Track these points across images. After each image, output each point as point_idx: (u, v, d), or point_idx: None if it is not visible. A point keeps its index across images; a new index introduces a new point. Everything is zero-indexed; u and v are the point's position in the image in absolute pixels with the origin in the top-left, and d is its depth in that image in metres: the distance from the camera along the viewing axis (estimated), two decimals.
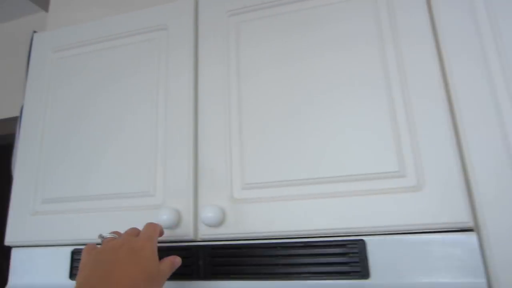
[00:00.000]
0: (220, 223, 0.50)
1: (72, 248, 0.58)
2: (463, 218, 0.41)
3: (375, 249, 0.44)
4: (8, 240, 0.61)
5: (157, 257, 0.42)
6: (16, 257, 0.61)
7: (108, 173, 0.58)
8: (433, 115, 0.45)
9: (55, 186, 0.61)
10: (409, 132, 0.46)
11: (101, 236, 0.45)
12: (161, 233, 0.48)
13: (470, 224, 0.41)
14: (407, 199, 0.44)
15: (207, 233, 0.51)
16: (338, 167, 0.48)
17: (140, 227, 0.47)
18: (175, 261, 0.44)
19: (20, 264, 0.60)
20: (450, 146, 0.43)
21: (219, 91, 0.56)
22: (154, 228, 0.45)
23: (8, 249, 0.62)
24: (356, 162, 0.47)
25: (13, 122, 0.77)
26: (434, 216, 0.43)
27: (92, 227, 0.57)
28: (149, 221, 0.47)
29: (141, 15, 0.64)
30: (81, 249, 0.57)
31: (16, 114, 0.79)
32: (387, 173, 0.45)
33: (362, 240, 0.45)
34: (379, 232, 0.45)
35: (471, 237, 0.41)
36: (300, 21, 0.55)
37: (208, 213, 0.49)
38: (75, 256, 0.57)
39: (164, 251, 0.53)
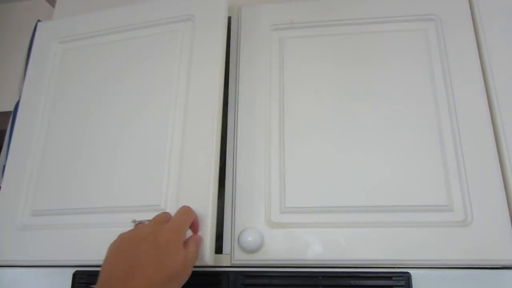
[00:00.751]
0: (258, 248, 0.46)
1: (74, 270, 0.50)
2: (509, 255, 0.43)
3: (420, 282, 0.44)
4: None
5: (182, 251, 0.38)
6: None
7: (121, 183, 0.51)
8: (482, 153, 0.47)
9: (53, 196, 0.53)
10: (457, 167, 0.47)
11: (134, 221, 0.44)
12: (196, 222, 0.44)
13: None
14: (454, 234, 0.44)
15: (241, 259, 0.47)
16: (385, 197, 0.47)
17: None
18: (197, 239, 0.43)
19: None
20: (498, 183, 0.45)
21: (258, 101, 0.54)
22: (186, 217, 0.42)
23: None
24: (404, 192, 0.47)
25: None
26: (480, 252, 0.43)
27: (99, 245, 0.50)
28: None
29: (163, 4, 0.58)
30: (85, 271, 0.50)
31: (7, 108, 0.69)
32: (435, 206, 0.46)
33: (408, 273, 0.44)
34: (425, 265, 0.44)
35: None
36: (348, 46, 0.55)
37: (248, 237, 0.46)
38: (79, 280, 0.49)
39: (192, 276, 0.48)
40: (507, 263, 0.43)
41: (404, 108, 0.51)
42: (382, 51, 0.54)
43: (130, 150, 0.52)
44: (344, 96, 0.53)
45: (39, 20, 0.66)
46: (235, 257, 0.47)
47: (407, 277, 0.44)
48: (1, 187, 0.55)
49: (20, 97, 0.60)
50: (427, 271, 0.44)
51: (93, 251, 0.49)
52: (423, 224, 0.46)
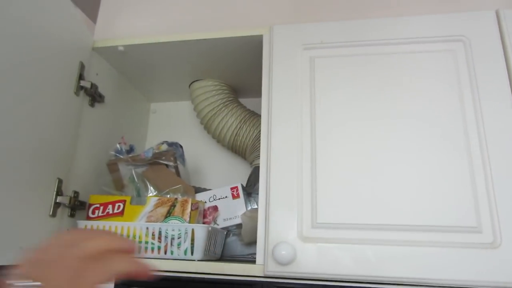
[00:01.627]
0: (291, 261, 0.49)
1: None
2: None
3: None
4: None
5: None
6: None
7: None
8: (510, 176, 0.48)
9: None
10: (486, 190, 0.48)
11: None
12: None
13: None
14: (483, 255, 0.46)
15: (274, 270, 0.50)
16: (414, 216, 0.49)
17: None
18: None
19: None
20: None
21: (290, 118, 0.56)
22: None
23: None
24: (433, 213, 0.48)
25: None
26: (509, 275, 0.45)
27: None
28: None
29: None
30: None
31: None
32: (464, 227, 0.47)
33: None
34: (453, 285, 0.46)
35: None
36: (378, 65, 0.56)
37: (282, 251, 0.48)
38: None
39: (227, 284, 0.51)
40: None
41: (434, 129, 0.52)
42: (412, 71, 0.55)
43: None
44: (375, 115, 0.54)
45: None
46: (268, 268, 0.50)
47: None
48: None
49: None
50: None
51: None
52: (452, 245, 0.47)
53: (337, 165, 0.53)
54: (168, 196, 0.61)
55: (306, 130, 0.55)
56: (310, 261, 0.49)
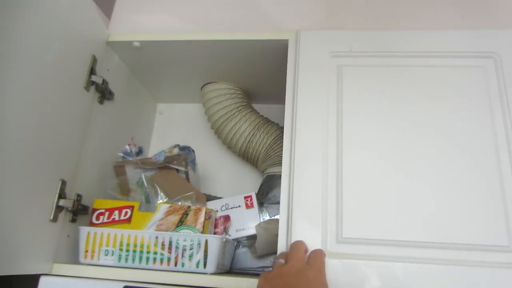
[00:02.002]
0: None
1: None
2: None
3: None
4: None
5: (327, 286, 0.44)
6: None
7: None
8: None
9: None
10: None
11: (271, 261, 0.49)
12: None
13: None
14: None
15: None
16: (444, 234, 0.47)
17: None
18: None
19: None
20: None
21: (316, 127, 0.54)
22: (323, 258, 0.46)
23: None
24: (464, 230, 0.47)
25: None
26: None
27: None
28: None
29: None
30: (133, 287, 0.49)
31: None
32: (495, 246, 0.46)
33: None
34: None
35: None
36: (407, 77, 0.55)
37: None
38: None
39: None
40: None
41: (463, 144, 0.51)
42: (441, 85, 0.55)
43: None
44: (403, 128, 0.53)
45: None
46: None
47: None
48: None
49: None
50: None
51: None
52: (481, 264, 0.46)
53: (363, 178, 0.51)
54: (179, 203, 0.58)
55: (332, 140, 0.53)
56: (335, 278, 0.47)
